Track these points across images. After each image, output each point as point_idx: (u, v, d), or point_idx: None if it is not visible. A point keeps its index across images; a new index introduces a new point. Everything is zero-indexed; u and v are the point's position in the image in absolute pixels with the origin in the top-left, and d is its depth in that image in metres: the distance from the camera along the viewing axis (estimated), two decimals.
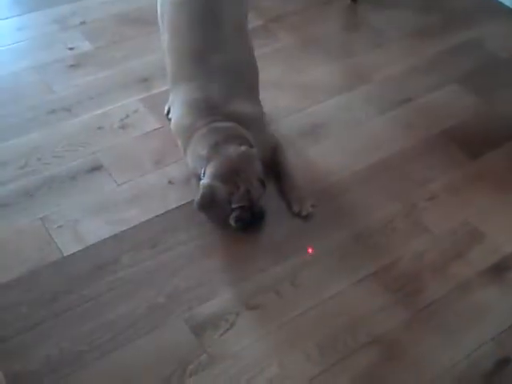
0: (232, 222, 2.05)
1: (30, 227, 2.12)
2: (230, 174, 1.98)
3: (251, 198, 2.00)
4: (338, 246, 2.09)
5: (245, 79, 2.20)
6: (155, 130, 2.45)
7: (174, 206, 2.19)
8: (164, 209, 2.18)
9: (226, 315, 1.90)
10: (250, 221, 2.05)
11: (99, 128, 2.47)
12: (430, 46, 2.94)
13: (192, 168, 2.14)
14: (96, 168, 2.32)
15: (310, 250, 2.00)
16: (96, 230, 2.11)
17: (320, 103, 2.61)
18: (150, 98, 2.59)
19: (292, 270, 2.02)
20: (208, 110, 2.10)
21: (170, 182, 2.27)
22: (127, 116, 2.52)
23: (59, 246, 2.06)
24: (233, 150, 2.01)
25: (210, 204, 2.01)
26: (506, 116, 2.60)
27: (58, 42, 2.87)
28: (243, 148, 2.02)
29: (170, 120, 2.45)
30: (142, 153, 2.38)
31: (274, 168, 2.23)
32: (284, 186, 2.20)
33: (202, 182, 2.02)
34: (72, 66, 2.74)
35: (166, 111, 2.47)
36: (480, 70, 2.82)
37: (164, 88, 2.54)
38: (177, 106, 2.20)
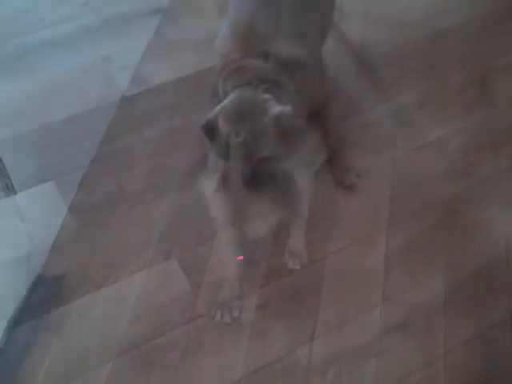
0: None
1: (92, 65, 2.11)
2: (235, 116, 1.59)
3: (246, 154, 1.57)
4: (402, 109, 2.05)
5: (312, 25, 1.84)
6: None
7: None
8: None
9: None
10: (249, 179, 1.60)
11: None
12: None
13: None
14: (159, 10, 2.26)
15: None
16: (157, 73, 2.09)
17: None
18: None
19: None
20: (247, 41, 1.77)
21: None
22: None
23: (120, 86, 2.05)
24: (250, 95, 1.64)
25: (211, 135, 1.63)
26: None
27: None
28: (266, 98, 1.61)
29: None
30: None
31: (321, 123, 1.92)
32: (328, 148, 1.94)
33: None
34: None
35: None
36: None
37: None
38: (225, 21, 1.86)
